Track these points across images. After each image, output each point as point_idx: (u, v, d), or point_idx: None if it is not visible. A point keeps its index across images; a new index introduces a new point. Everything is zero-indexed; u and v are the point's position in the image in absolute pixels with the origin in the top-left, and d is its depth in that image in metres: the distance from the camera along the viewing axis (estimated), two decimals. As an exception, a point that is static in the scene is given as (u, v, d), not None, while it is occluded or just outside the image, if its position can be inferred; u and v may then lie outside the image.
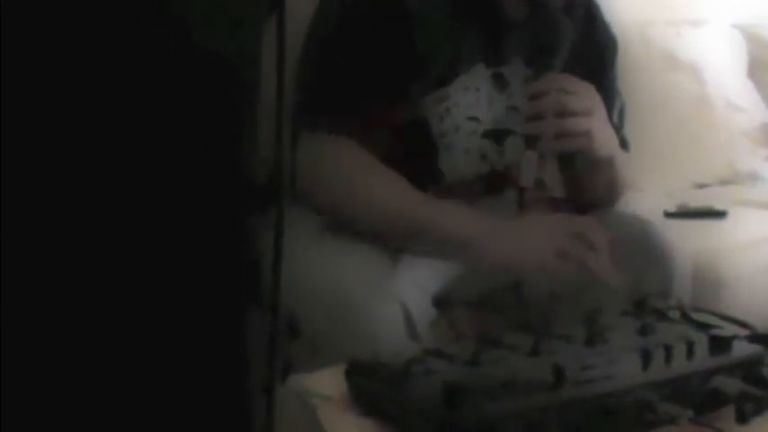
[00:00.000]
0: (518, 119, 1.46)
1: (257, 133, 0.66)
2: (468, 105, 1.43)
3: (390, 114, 1.37)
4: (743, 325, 1.15)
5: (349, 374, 1.02)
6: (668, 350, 1.02)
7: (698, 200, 2.29)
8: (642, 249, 1.45)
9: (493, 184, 1.50)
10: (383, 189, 1.35)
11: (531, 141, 1.36)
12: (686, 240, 1.60)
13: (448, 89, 1.41)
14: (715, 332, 1.09)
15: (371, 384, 0.99)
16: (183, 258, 0.66)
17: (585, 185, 1.49)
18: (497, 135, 1.46)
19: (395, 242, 1.35)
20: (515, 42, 1.46)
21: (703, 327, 1.13)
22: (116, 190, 0.64)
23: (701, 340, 1.07)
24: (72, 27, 0.62)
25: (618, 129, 1.56)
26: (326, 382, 1.04)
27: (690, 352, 1.04)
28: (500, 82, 1.46)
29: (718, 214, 2.20)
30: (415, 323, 1.29)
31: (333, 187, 1.35)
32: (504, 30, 1.45)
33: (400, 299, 1.28)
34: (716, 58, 2.60)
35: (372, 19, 1.36)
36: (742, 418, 1.00)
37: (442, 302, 1.39)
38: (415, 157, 1.42)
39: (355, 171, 1.35)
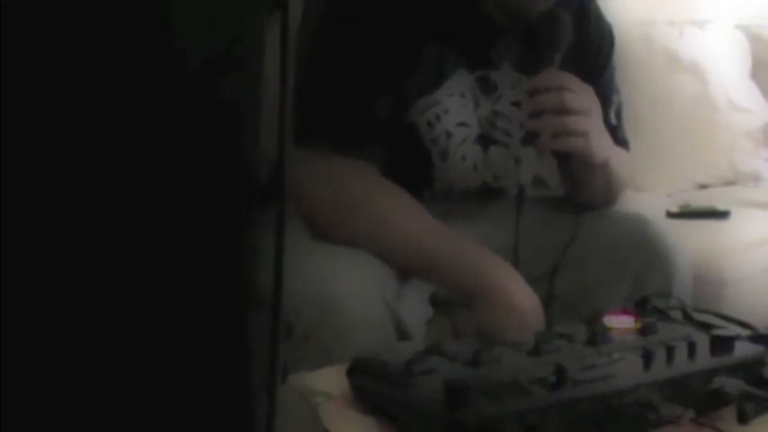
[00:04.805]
0: (504, 123, 1.46)
1: (259, 132, 0.66)
2: (457, 111, 1.43)
3: (382, 121, 1.37)
4: (744, 325, 1.15)
5: (350, 373, 1.02)
6: (670, 350, 1.03)
7: (700, 200, 2.29)
8: (643, 249, 1.45)
9: (489, 189, 1.50)
10: (401, 219, 1.35)
11: (529, 138, 1.36)
12: (688, 240, 1.60)
13: (435, 95, 1.41)
14: (717, 332, 1.09)
15: (373, 383, 0.99)
16: (183, 258, 0.66)
17: (582, 185, 1.49)
18: (483, 141, 1.46)
19: (405, 271, 1.35)
20: (505, 47, 1.45)
21: (705, 327, 1.13)
22: (116, 189, 0.64)
23: (703, 340, 1.07)
24: (72, 26, 0.62)
25: (616, 128, 1.56)
26: (328, 381, 1.04)
27: (691, 352, 1.04)
28: (487, 86, 1.46)
29: (721, 215, 2.20)
30: (405, 323, 1.29)
31: (341, 209, 1.34)
32: (492, 34, 1.45)
33: (384, 298, 1.28)
34: (719, 58, 2.60)
35: (352, 30, 1.36)
36: (743, 419, 1.00)
37: (438, 301, 1.39)
38: (410, 163, 1.42)
39: (370, 196, 1.35)
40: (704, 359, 1.05)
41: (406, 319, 1.29)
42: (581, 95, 1.36)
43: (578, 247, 1.40)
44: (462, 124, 1.44)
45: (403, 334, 1.29)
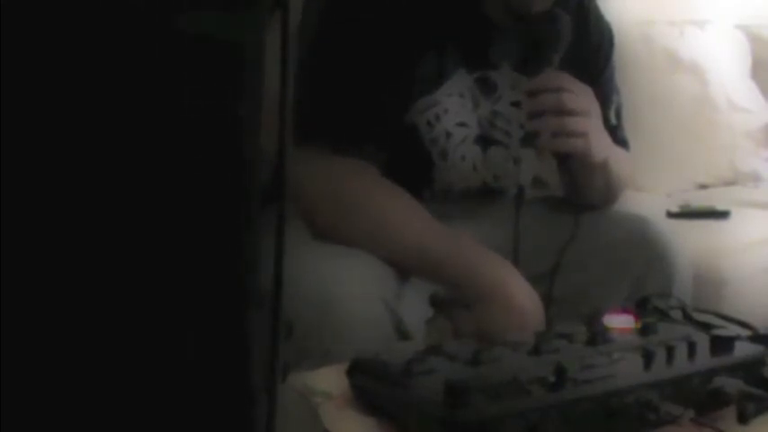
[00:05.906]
0: (503, 124, 1.46)
1: (259, 132, 0.66)
2: (457, 112, 1.43)
3: (382, 121, 1.37)
4: (744, 325, 1.15)
5: (351, 373, 1.02)
6: (670, 350, 1.03)
7: (700, 200, 2.29)
8: (643, 249, 1.45)
9: (489, 189, 1.50)
10: (401, 219, 1.35)
11: (529, 138, 1.36)
12: (688, 240, 1.60)
13: (435, 95, 1.41)
14: (717, 332, 1.09)
15: (373, 383, 1.00)
16: (182, 258, 0.66)
17: (582, 185, 1.49)
18: (483, 142, 1.46)
19: (406, 271, 1.35)
20: (504, 47, 1.45)
21: (705, 327, 1.13)
22: (115, 189, 0.64)
23: (703, 340, 1.07)
24: (71, 26, 0.62)
25: (616, 128, 1.56)
26: (328, 381, 1.04)
27: (691, 352, 1.04)
28: (487, 87, 1.46)
29: (721, 214, 2.20)
30: (405, 323, 1.29)
31: (341, 209, 1.34)
32: (491, 34, 1.45)
33: (384, 298, 1.28)
34: (719, 58, 2.60)
35: (352, 30, 1.36)
36: (743, 419, 1.00)
37: (439, 301, 1.39)
38: (410, 163, 1.42)
39: (370, 196, 1.35)
40: (704, 359, 1.05)
41: (406, 319, 1.29)
42: (580, 96, 1.36)
43: (578, 247, 1.40)
44: (462, 124, 1.44)
45: (403, 334, 1.29)
